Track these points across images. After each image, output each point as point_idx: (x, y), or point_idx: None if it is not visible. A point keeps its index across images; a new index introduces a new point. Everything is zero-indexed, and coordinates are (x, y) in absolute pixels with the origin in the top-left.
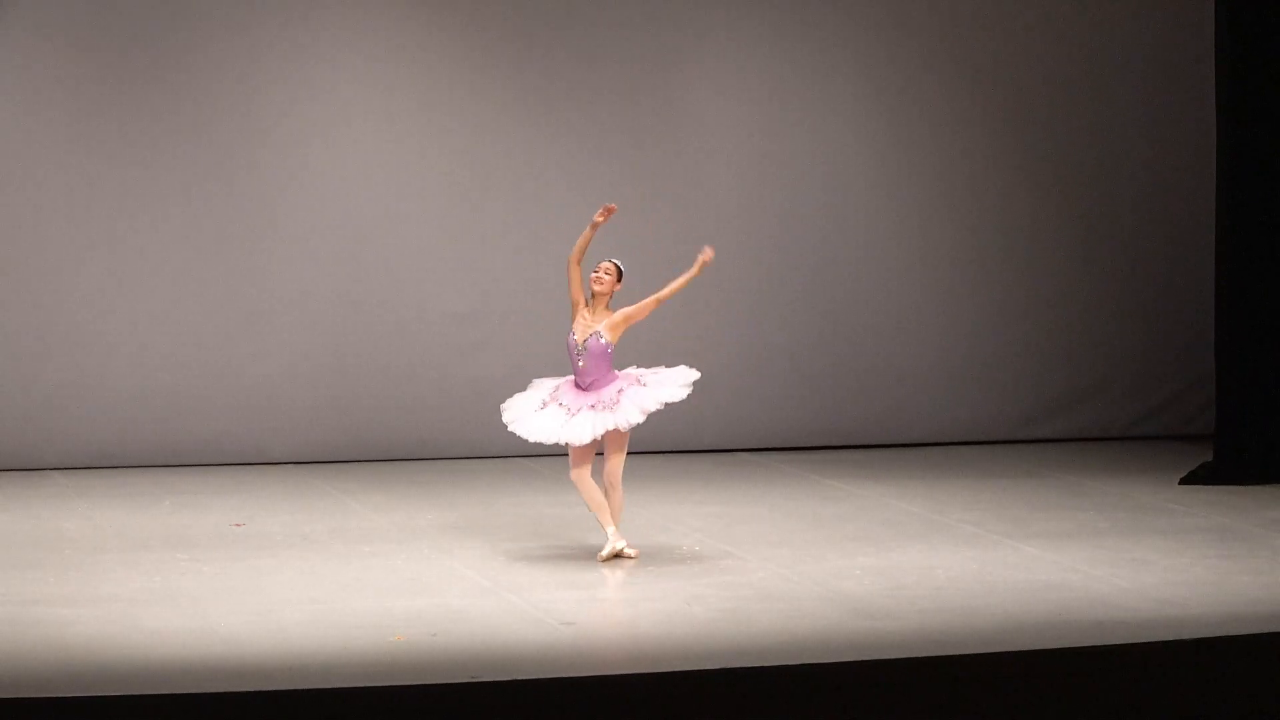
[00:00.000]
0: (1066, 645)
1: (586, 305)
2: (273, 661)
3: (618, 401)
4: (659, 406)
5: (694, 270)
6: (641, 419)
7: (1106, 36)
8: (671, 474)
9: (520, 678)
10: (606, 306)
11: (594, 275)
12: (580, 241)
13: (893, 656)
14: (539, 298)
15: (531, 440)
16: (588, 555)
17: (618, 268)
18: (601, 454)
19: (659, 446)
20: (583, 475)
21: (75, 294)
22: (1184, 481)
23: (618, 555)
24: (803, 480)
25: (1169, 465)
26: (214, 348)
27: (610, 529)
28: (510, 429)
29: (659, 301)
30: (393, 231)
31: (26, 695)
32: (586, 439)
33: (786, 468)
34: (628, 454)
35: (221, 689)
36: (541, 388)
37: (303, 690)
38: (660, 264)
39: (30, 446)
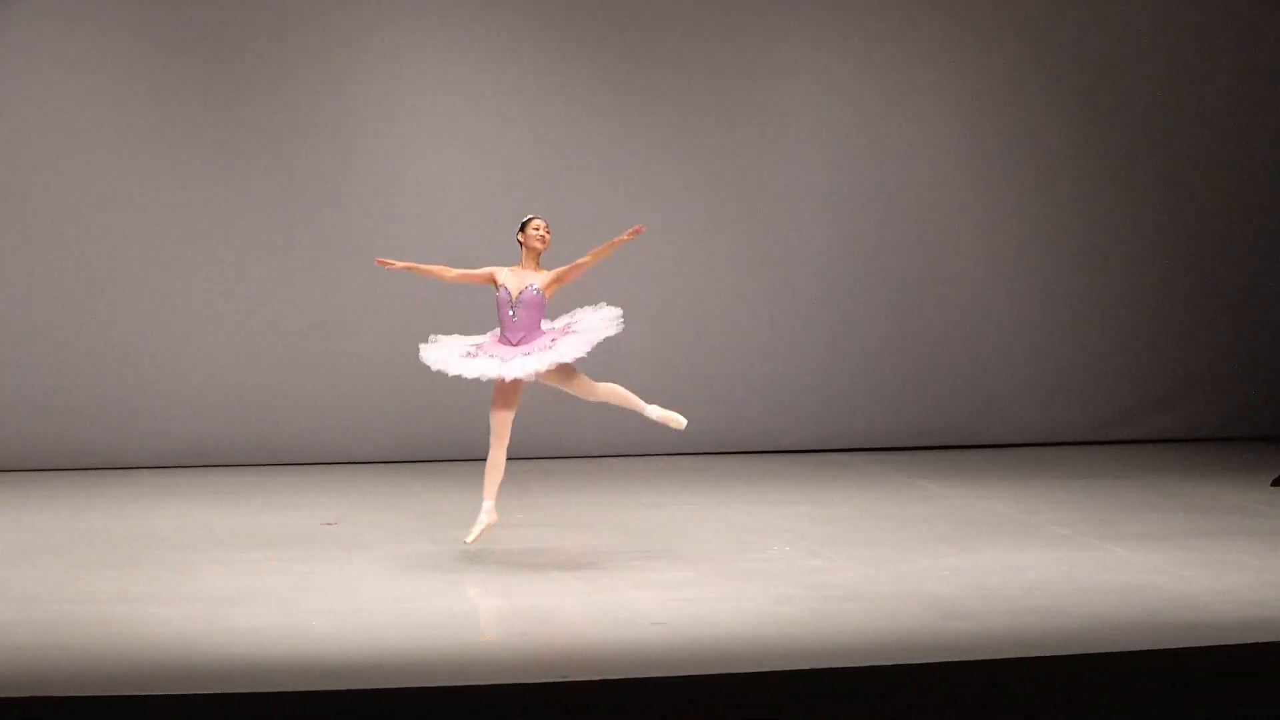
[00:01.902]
0: (1155, 647)
1: (513, 264)
2: (363, 660)
3: (552, 346)
4: (600, 339)
5: (624, 237)
6: (585, 351)
7: (1190, 37)
8: (759, 474)
9: (611, 677)
10: (537, 264)
11: (536, 235)
12: (426, 273)
13: (980, 658)
14: (623, 299)
15: (469, 376)
16: (678, 555)
17: (547, 224)
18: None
19: (746, 447)
20: (500, 426)
21: (167, 295)
22: (1276, 483)
23: (486, 529)
24: (890, 481)
25: (1260, 466)
26: (305, 347)
27: (487, 502)
28: (437, 369)
29: (591, 263)
30: (478, 235)
31: (120, 693)
32: (529, 371)
33: (874, 468)
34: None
35: (312, 687)
36: (458, 342)
37: (393, 689)
38: (740, 262)
39: (122, 445)
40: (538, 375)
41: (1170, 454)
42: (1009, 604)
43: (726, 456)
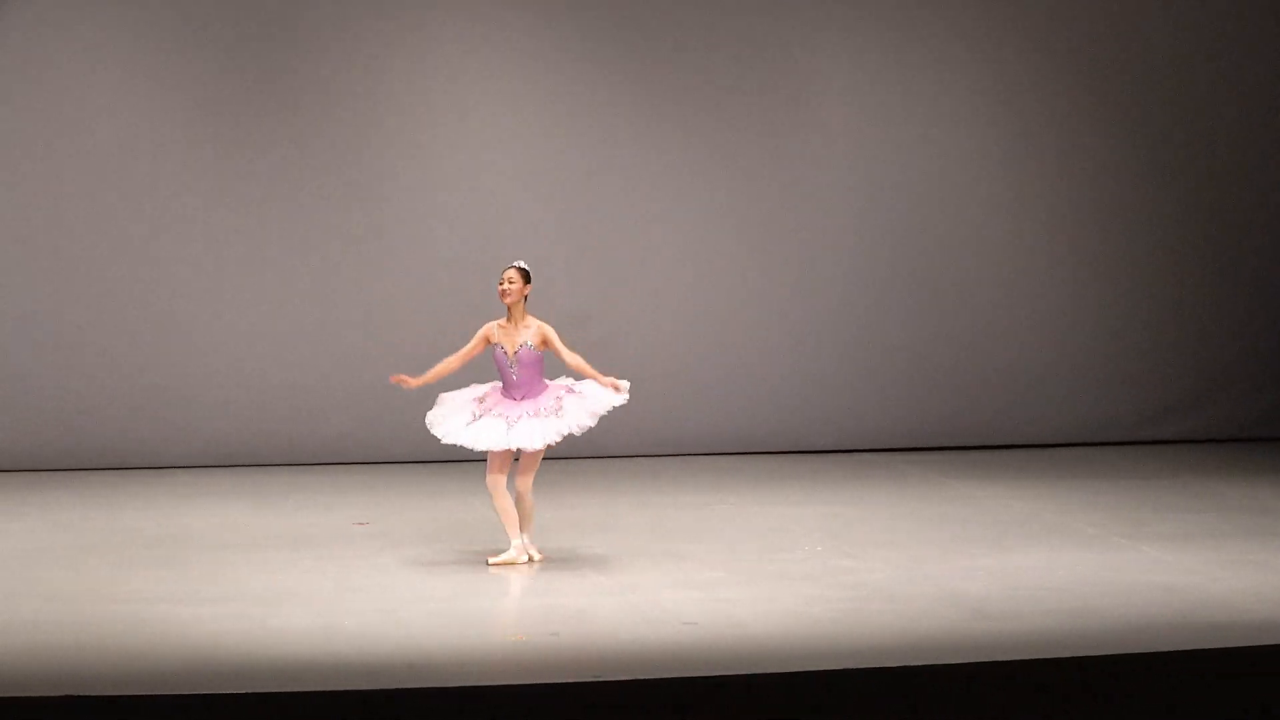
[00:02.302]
0: (1187, 647)
1: (499, 324)
2: (396, 660)
3: (560, 408)
4: (607, 410)
5: (603, 381)
6: (593, 423)
7: (1216, 39)
8: (792, 474)
9: (642, 677)
10: (525, 314)
11: (500, 289)
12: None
13: (1012, 658)
14: (656, 299)
15: (478, 449)
16: (709, 556)
17: (521, 271)
18: (518, 460)
19: (779, 447)
20: (499, 483)
21: (201, 296)
22: None
23: (510, 563)
24: (923, 481)
25: None
26: (338, 348)
27: (516, 540)
28: (446, 441)
29: (571, 367)
30: (513, 234)
31: (152, 692)
32: (540, 444)
33: (907, 468)
34: (540, 462)
35: (345, 687)
36: (460, 401)
37: (425, 689)
38: (770, 262)
39: (157, 445)
40: (547, 445)
41: (1202, 454)
42: (1040, 604)
43: (757, 457)
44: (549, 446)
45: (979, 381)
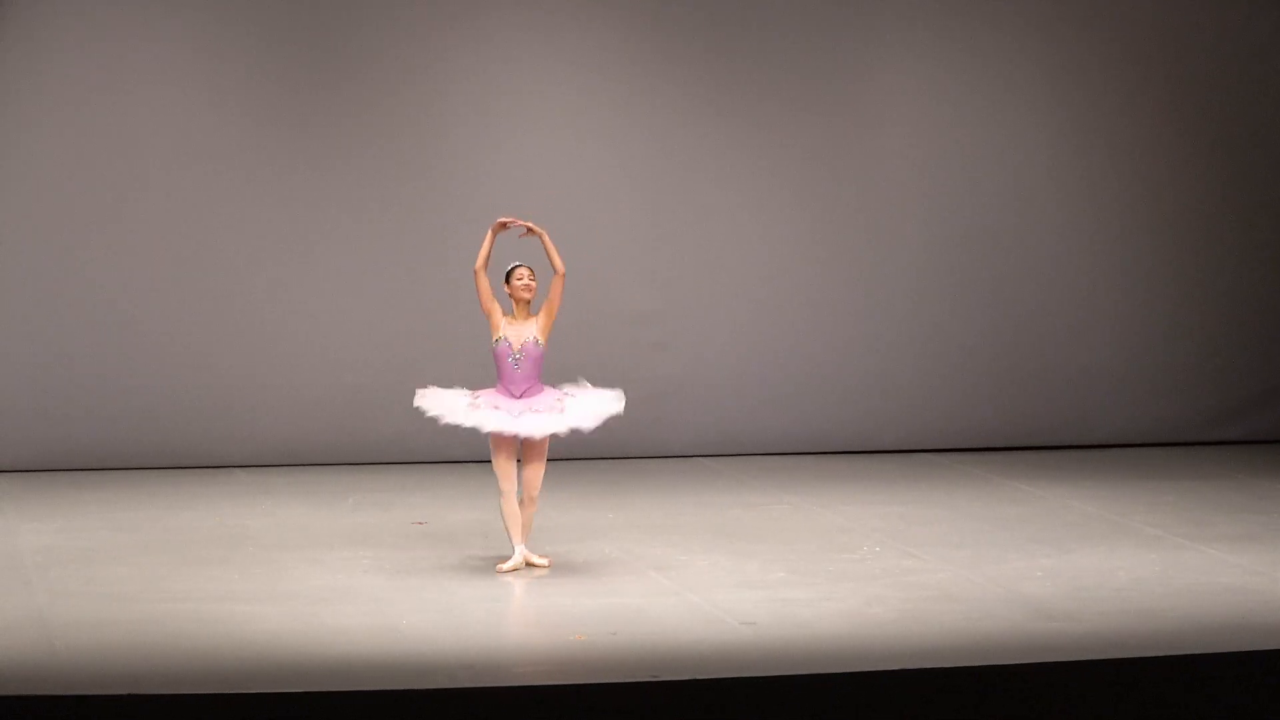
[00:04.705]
0: (1249, 649)
1: (507, 314)
2: (454, 659)
3: (563, 408)
4: (607, 417)
5: (539, 234)
6: (595, 424)
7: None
8: (852, 474)
9: (700, 677)
10: (528, 312)
11: (521, 284)
12: (484, 250)
13: (1074, 659)
14: (719, 297)
15: (486, 429)
16: (770, 556)
17: (531, 271)
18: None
19: (839, 447)
20: (510, 473)
21: (259, 293)
22: None
23: (521, 567)
24: (984, 481)
25: None
26: (396, 347)
27: (519, 547)
28: (445, 422)
29: (558, 272)
30: (574, 232)
31: (211, 691)
32: (543, 433)
33: (968, 469)
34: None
35: (403, 686)
36: (452, 394)
37: (484, 688)
38: (833, 261)
39: (215, 444)
40: (549, 435)
41: (1266, 455)
42: (1102, 605)
43: (819, 457)
44: (539, 444)
45: (1041, 382)
